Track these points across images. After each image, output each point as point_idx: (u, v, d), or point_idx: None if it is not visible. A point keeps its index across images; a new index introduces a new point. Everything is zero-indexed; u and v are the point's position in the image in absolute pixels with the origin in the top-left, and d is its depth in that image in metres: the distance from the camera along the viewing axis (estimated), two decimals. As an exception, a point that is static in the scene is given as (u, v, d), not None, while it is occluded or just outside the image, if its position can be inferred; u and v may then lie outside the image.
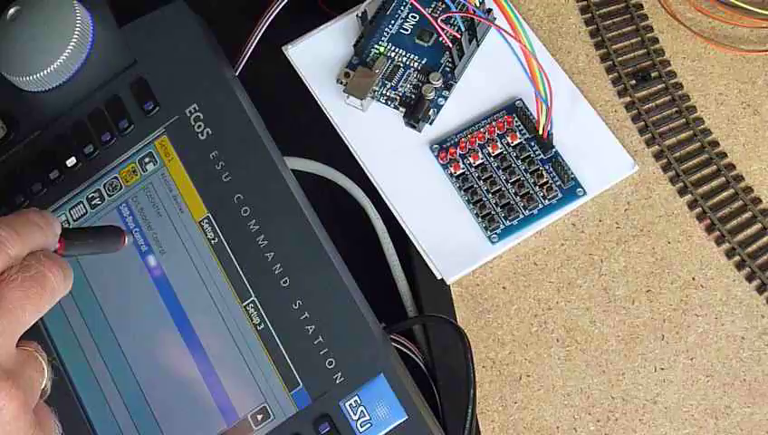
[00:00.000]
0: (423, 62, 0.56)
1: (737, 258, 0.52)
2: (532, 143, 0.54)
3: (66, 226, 0.51)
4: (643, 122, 0.55)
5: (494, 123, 0.55)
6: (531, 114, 0.54)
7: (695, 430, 0.49)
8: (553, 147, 0.54)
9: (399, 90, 0.56)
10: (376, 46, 0.57)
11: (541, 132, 0.53)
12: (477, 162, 0.54)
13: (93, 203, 0.54)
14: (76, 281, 0.52)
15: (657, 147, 0.54)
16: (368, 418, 0.47)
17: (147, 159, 0.54)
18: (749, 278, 0.51)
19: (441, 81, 0.55)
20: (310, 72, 0.57)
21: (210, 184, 0.52)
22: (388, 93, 0.56)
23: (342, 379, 0.48)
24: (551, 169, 0.54)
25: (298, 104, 0.57)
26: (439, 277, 0.53)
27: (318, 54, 0.58)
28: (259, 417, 0.49)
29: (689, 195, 0.53)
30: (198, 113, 0.53)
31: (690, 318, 0.51)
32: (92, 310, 0.52)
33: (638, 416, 0.50)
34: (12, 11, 0.55)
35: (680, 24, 0.57)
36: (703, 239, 0.52)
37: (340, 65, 0.57)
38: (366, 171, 0.55)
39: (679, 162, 0.54)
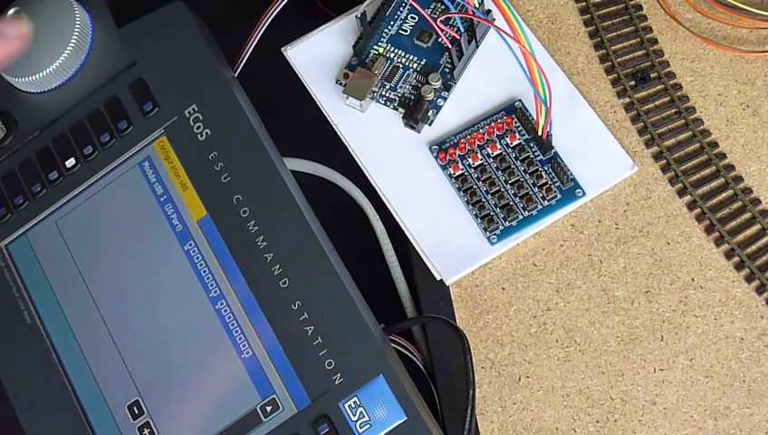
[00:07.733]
0: (422, 62, 0.56)
1: (736, 259, 0.52)
2: (532, 144, 0.54)
3: None
4: (642, 123, 0.55)
5: (493, 124, 0.55)
6: (530, 115, 0.54)
7: (694, 431, 0.49)
8: (553, 148, 0.54)
9: (399, 91, 0.56)
10: (375, 47, 0.57)
11: (540, 133, 0.53)
12: (476, 163, 0.54)
13: (92, 204, 0.54)
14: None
15: (656, 148, 0.54)
16: (367, 419, 0.47)
17: (146, 160, 0.53)
18: (748, 279, 0.51)
19: (440, 81, 0.55)
20: (309, 72, 0.57)
21: (209, 185, 0.52)
22: (387, 94, 0.56)
23: (342, 380, 0.48)
24: (550, 169, 0.54)
25: (297, 105, 0.57)
26: (438, 278, 0.53)
27: (317, 55, 0.58)
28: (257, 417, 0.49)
29: (688, 196, 0.53)
30: (198, 114, 0.53)
31: (689, 319, 0.51)
32: (92, 317, 0.52)
33: (638, 417, 0.50)
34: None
35: (679, 25, 0.57)
36: (702, 240, 0.52)
37: (340, 66, 0.57)
38: (365, 172, 0.55)
39: (678, 163, 0.54)
